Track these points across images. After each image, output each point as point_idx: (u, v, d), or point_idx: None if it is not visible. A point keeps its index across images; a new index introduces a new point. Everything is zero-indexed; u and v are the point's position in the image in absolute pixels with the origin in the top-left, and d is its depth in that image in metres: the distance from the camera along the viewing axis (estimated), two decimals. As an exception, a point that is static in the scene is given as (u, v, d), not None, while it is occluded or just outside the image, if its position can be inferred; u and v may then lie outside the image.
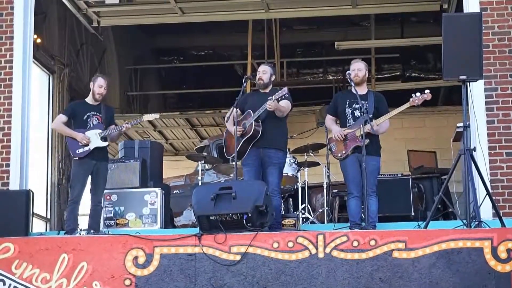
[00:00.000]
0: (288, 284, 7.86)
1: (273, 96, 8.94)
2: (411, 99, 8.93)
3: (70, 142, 9.61)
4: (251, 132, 9.00)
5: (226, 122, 9.34)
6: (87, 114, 9.61)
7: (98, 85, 9.64)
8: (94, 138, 9.50)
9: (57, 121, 9.82)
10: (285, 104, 9.09)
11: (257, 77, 9.32)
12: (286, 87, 9.07)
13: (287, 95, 8.98)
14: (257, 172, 9.05)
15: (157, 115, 10.07)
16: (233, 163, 9.13)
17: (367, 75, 9.26)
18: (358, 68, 9.13)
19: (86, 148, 9.47)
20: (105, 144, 9.58)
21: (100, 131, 9.54)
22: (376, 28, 17.02)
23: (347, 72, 9.18)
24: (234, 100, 9.18)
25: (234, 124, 9.04)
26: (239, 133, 8.99)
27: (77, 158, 9.52)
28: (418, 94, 8.92)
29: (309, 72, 18.92)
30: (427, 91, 8.92)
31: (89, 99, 9.72)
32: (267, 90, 9.28)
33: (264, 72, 9.31)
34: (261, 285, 7.90)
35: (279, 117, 9.12)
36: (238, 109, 9.10)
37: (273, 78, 9.37)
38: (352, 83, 9.11)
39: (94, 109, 9.66)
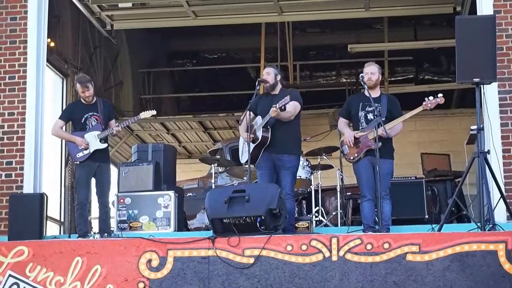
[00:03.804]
0: (301, 287, 7.85)
1: (277, 105, 8.90)
2: (424, 103, 8.90)
3: (70, 147, 9.63)
4: (259, 139, 8.99)
5: (239, 125, 9.34)
6: (85, 116, 9.60)
7: (81, 92, 9.61)
8: (93, 141, 9.50)
9: (55, 127, 9.78)
10: (291, 107, 9.02)
11: (258, 79, 9.30)
12: (288, 96, 9.00)
13: (287, 104, 8.90)
14: (271, 175, 9.04)
15: (154, 112, 10.03)
16: (247, 166, 9.13)
17: (380, 78, 9.24)
18: (371, 72, 9.10)
19: (86, 152, 9.49)
20: (104, 145, 9.58)
21: (98, 132, 9.53)
22: (389, 31, 17.00)
23: (360, 75, 9.16)
24: (247, 103, 9.19)
25: (247, 130, 9.05)
26: (250, 139, 8.99)
27: (78, 162, 9.53)
28: (431, 98, 8.88)
29: (322, 75, 18.89)
30: (440, 95, 8.88)
31: (83, 100, 9.71)
32: (276, 92, 9.27)
33: (268, 74, 9.29)
34: (274, 288, 7.91)
35: (287, 121, 9.11)
36: (251, 113, 9.09)
37: (278, 78, 9.30)
38: (365, 86, 9.10)
39: (91, 109, 9.63)
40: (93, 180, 9.58)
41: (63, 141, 13.56)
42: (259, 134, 9.02)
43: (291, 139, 9.20)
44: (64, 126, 9.90)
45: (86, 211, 9.51)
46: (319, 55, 18.67)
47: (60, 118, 9.89)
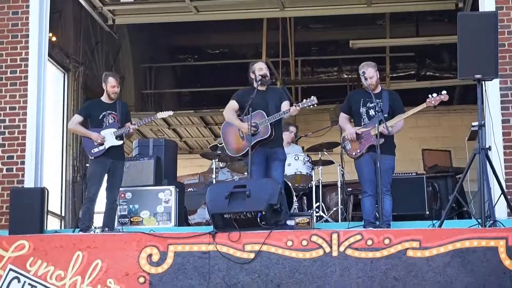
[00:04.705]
0: (302, 282, 7.86)
1: (300, 104, 8.94)
2: (427, 100, 8.89)
3: (86, 142, 9.66)
4: (267, 135, 8.99)
5: (229, 117, 9.22)
6: (103, 114, 9.65)
7: (111, 85, 9.66)
8: (109, 137, 9.53)
9: (73, 122, 9.86)
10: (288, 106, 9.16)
11: (259, 74, 9.21)
12: (314, 97, 9.04)
13: (316, 105, 8.98)
14: (264, 170, 9.05)
15: (170, 112, 10.06)
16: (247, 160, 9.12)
17: (378, 76, 9.22)
18: (370, 77, 9.08)
19: (101, 148, 9.51)
20: (120, 142, 9.60)
21: (115, 129, 9.56)
22: (391, 27, 16.99)
23: (361, 71, 9.16)
24: (248, 98, 9.16)
25: (244, 121, 9.04)
26: (251, 132, 8.98)
27: (92, 158, 9.56)
28: (434, 95, 8.88)
29: (324, 71, 18.88)
30: (444, 92, 8.88)
31: (104, 98, 9.74)
32: (264, 88, 9.27)
33: (267, 69, 9.30)
34: (274, 283, 7.90)
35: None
36: (250, 107, 9.05)
37: None
38: (366, 83, 9.09)
39: (110, 108, 9.69)
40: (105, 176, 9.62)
41: (65, 135, 13.65)
42: (267, 129, 9.00)
43: (280, 135, 9.32)
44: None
45: (93, 207, 9.52)
46: (320, 51, 18.66)
47: (78, 113, 9.94)
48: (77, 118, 9.82)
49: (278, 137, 9.18)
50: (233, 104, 9.25)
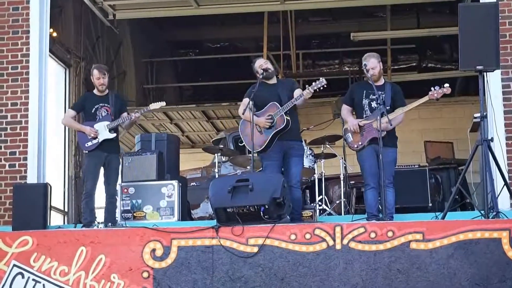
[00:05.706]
0: (305, 276, 7.86)
1: (310, 88, 8.93)
2: (430, 93, 8.86)
3: (79, 136, 9.68)
4: (283, 125, 8.97)
5: (243, 114, 9.24)
6: (95, 107, 9.64)
7: (96, 78, 9.68)
8: (102, 130, 9.53)
9: (66, 117, 9.89)
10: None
11: (262, 69, 9.22)
12: (323, 78, 9.05)
13: (325, 86, 8.97)
14: (279, 166, 9.02)
15: (163, 103, 10.03)
16: (250, 155, 9.10)
17: (381, 67, 9.21)
18: (372, 67, 9.07)
19: (95, 141, 9.52)
20: (113, 135, 9.59)
21: (108, 122, 9.56)
22: (392, 19, 16.96)
23: (363, 63, 9.14)
24: (250, 92, 9.15)
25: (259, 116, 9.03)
26: (268, 125, 8.98)
27: (86, 152, 9.56)
28: (437, 87, 8.85)
29: (325, 64, 18.87)
30: (446, 85, 8.85)
31: (96, 91, 9.74)
32: (275, 81, 9.30)
33: (266, 63, 9.35)
34: (278, 277, 7.91)
35: (297, 108, 9.14)
36: (252, 101, 9.05)
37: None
38: (368, 75, 9.08)
39: (102, 101, 9.68)
40: (101, 170, 9.61)
41: (67, 131, 13.65)
42: (283, 119, 8.99)
43: (297, 126, 9.28)
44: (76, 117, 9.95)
45: (93, 201, 9.54)
46: (321, 43, 18.64)
47: (72, 108, 9.97)
48: (70, 112, 9.84)
49: (295, 128, 9.13)
50: (246, 102, 9.21)
